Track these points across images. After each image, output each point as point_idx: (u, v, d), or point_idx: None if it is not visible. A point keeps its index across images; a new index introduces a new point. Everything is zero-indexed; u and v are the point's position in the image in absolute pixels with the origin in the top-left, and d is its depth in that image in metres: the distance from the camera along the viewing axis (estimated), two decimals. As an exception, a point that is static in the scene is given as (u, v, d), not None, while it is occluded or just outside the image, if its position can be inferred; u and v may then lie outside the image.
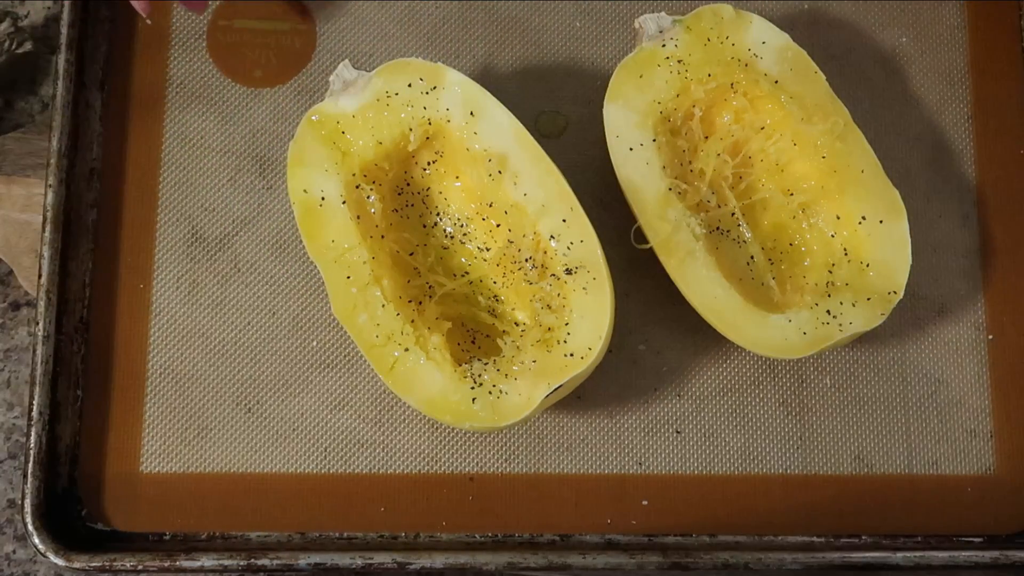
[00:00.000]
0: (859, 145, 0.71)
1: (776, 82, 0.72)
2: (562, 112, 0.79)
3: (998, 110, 0.80)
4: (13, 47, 0.81)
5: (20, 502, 0.72)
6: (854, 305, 0.69)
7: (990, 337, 0.77)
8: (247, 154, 0.78)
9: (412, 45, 0.80)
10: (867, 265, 0.70)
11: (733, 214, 0.73)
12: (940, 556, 0.71)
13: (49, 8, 0.84)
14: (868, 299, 0.69)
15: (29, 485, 0.71)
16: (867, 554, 0.72)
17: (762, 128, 0.74)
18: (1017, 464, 0.76)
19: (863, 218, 0.70)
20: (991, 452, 0.76)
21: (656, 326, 0.76)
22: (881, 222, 0.70)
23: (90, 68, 0.79)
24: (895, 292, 0.69)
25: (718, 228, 0.73)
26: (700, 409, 0.76)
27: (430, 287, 0.72)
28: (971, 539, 0.74)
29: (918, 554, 0.71)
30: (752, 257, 0.73)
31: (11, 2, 0.84)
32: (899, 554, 0.72)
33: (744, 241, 0.73)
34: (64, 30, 0.76)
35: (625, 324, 0.76)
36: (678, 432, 0.75)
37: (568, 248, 0.68)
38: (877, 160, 0.71)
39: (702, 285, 0.70)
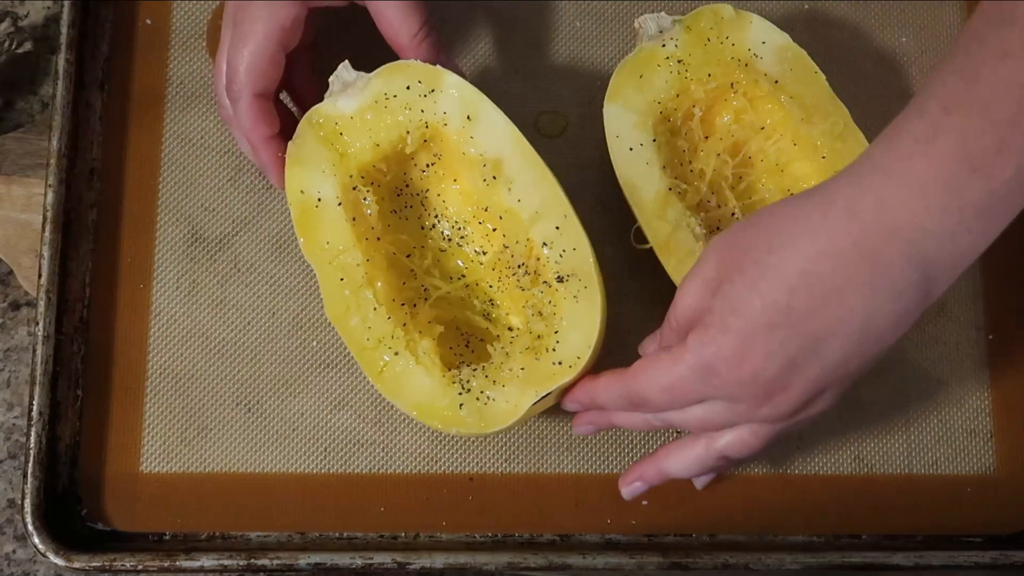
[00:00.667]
0: (859, 145, 0.71)
1: (776, 82, 0.72)
2: (562, 112, 0.79)
3: (998, 110, 0.80)
4: (13, 47, 0.81)
5: (20, 502, 0.72)
6: None
7: (990, 337, 0.77)
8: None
9: (412, 45, 0.80)
10: None
11: (733, 214, 0.73)
12: (940, 556, 0.71)
13: (49, 8, 0.84)
14: None
15: (29, 485, 0.71)
16: (867, 554, 0.72)
17: (762, 128, 0.74)
18: (1017, 464, 0.76)
19: None
20: (991, 452, 0.76)
21: (656, 326, 0.76)
22: None
23: (90, 68, 0.79)
24: None
25: (718, 228, 0.73)
26: (700, 409, 0.76)
27: (425, 289, 0.71)
28: (971, 539, 0.74)
29: (918, 554, 0.71)
30: None
31: (11, 2, 0.84)
32: (899, 554, 0.72)
33: None
34: (64, 30, 0.76)
35: (625, 325, 0.76)
36: (678, 432, 0.75)
37: (560, 256, 0.68)
38: None
39: None
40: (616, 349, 0.76)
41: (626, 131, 0.72)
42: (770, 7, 0.81)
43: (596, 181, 0.78)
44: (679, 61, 0.72)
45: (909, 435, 0.76)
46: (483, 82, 0.79)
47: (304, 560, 0.70)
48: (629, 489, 0.69)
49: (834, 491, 0.75)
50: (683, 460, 0.65)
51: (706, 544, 0.74)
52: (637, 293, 0.76)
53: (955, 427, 0.76)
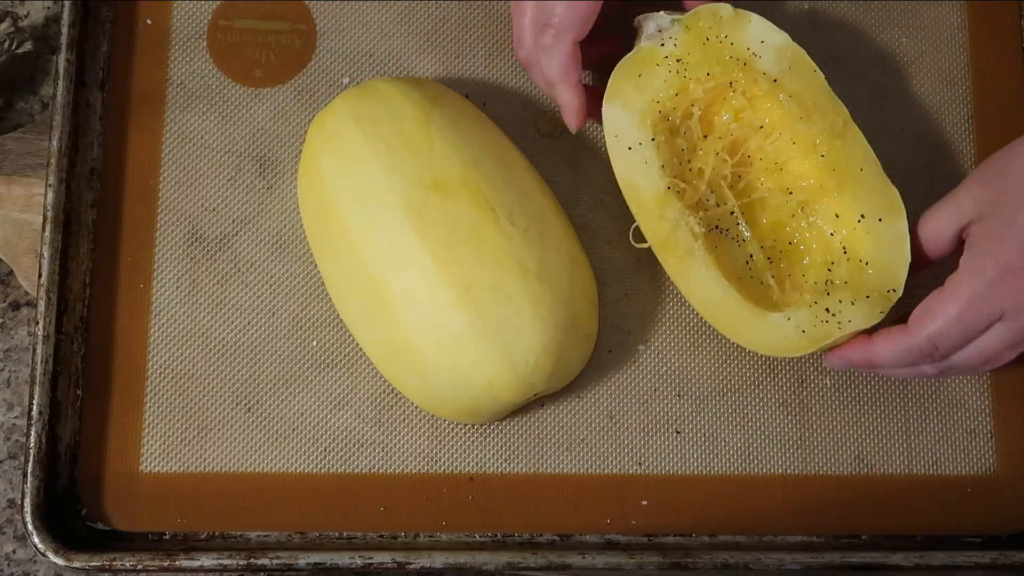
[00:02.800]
0: (858, 143, 0.71)
1: (775, 81, 0.72)
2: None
3: (998, 110, 0.80)
4: (13, 47, 0.81)
5: (20, 502, 0.72)
6: (853, 303, 0.69)
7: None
8: (247, 154, 0.78)
9: (412, 45, 0.80)
10: (866, 263, 0.70)
11: (732, 213, 0.73)
12: (940, 556, 0.71)
13: (49, 8, 0.84)
14: (867, 297, 0.69)
15: (29, 485, 0.71)
16: (867, 554, 0.72)
17: (761, 127, 0.74)
18: (1017, 464, 0.76)
19: (862, 216, 0.70)
20: (991, 452, 0.76)
21: (656, 326, 0.76)
22: (880, 220, 0.70)
23: (90, 68, 0.79)
24: (894, 290, 0.69)
25: (717, 227, 0.73)
26: (700, 409, 0.76)
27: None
28: (971, 539, 0.74)
29: (918, 554, 0.71)
30: (751, 256, 0.73)
31: (11, 2, 0.84)
32: (899, 554, 0.71)
33: (743, 240, 0.73)
34: (64, 30, 0.77)
35: (625, 324, 0.76)
36: (678, 432, 0.75)
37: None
38: (876, 158, 0.71)
39: (701, 284, 0.70)
40: (616, 349, 0.76)
41: (625, 130, 0.72)
42: (770, 7, 0.80)
43: (596, 181, 0.78)
44: (678, 60, 0.72)
45: (909, 435, 0.76)
46: (483, 82, 0.79)
47: (304, 560, 0.70)
48: (833, 361, 0.71)
49: (834, 491, 0.75)
50: (894, 352, 0.67)
51: (706, 544, 0.74)
52: (637, 293, 0.76)
53: (955, 427, 0.76)
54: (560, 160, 0.78)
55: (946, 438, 0.76)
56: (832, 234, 0.72)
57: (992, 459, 0.76)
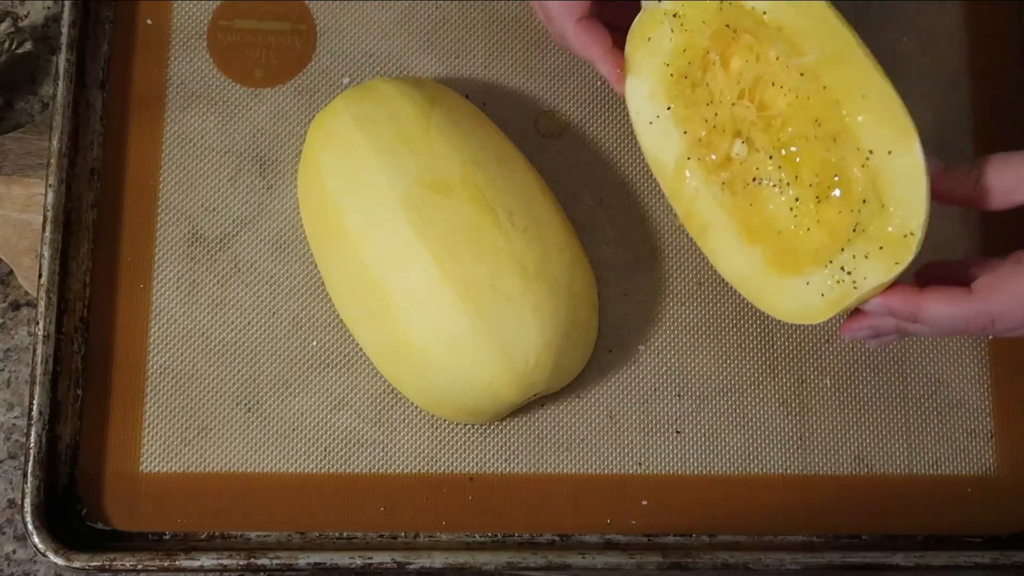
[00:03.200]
0: (861, 69, 0.63)
1: (764, 13, 0.64)
2: (562, 112, 0.79)
3: (998, 110, 0.80)
4: (13, 47, 0.81)
5: (20, 502, 0.72)
6: (867, 257, 0.61)
7: (990, 337, 0.77)
8: (247, 154, 0.79)
9: (412, 45, 0.80)
10: (883, 205, 0.61)
11: (771, 157, 0.66)
12: (940, 556, 0.71)
13: (49, 8, 0.84)
14: (880, 248, 0.61)
15: (29, 485, 0.71)
16: (867, 554, 0.72)
17: (777, 58, 0.66)
18: (1017, 464, 0.76)
19: (870, 152, 0.61)
20: (991, 452, 0.76)
21: (656, 326, 0.76)
22: (889, 152, 0.61)
23: (90, 68, 0.79)
24: (912, 234, 0.60)
25: (755, 179, 0.67)
26: (700, 409, 0.76)
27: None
28: (971, 539, 0.74)
29: (918, 554, 0.71)
30: (796, 200, 0.66)
31: (11, 2, 0.84)
32: (899, 554, 0.71)
33: (786, 185, 0.66)
34: (64, 30, 0.77)
35: (625, 324, 0.76)
36: (678, 432, 0.75)
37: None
38: (885, 81, 0.62)
39: (724, 253, 0.67)
40: (616, 349, 0.76)
41: (642, 104, 0.68)
42: (770, 7, 0.80)
43: (596, 181, 0.78)
44: (675, 15, 0.67)
45: (909, 435, 0.76)
46: (483, 82, 0.79)
47: (304, 560, 0.70)
48: (855, 329, 0.66)
49: (834, 491, 0.75)
50: (948, 313, 0.62)
51: (706, 544, 0.74)
52: (637, 293, 0.77)
53: (955, 427, 0.76)
54: (561, 160, 0.78)
55: (946, 438, 0.76)
56: (864, 165, 0.62)
57: (992, 459, 0.76)
